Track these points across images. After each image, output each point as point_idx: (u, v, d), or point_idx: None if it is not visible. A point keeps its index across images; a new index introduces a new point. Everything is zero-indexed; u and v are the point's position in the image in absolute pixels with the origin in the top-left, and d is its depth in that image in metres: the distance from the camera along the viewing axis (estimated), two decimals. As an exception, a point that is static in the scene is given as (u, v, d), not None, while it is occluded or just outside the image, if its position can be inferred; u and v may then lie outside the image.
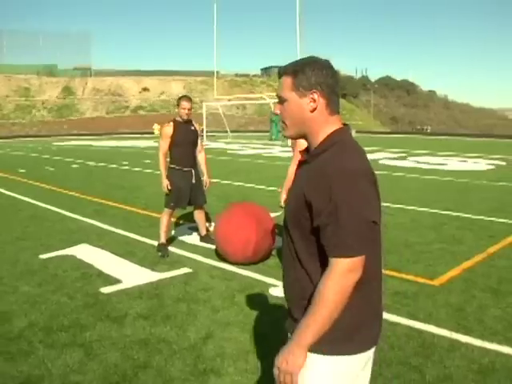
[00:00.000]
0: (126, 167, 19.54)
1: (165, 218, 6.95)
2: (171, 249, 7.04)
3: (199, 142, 7.12)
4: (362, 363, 1.84)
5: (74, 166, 20.48)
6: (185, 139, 6.87)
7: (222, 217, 6.54)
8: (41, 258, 6.76)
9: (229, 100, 60.76)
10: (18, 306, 5.08)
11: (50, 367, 3.83)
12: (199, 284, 5.66)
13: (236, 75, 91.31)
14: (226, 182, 13.92)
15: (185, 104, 6.79)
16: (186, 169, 6.91)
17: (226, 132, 49.92)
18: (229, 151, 27.79)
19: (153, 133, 54.73)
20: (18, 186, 14.27)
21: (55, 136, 58.74)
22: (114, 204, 10.91)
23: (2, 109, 73.08)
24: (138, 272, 6.12)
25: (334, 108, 1.88)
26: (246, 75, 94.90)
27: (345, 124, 1.92)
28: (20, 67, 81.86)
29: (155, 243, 7.09)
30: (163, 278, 5.86)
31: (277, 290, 5.25)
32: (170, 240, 7.37)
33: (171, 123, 6.89)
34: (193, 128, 6.98)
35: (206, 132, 46.21)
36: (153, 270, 6.19)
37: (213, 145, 34.63)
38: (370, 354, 1.88)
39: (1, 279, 5.91)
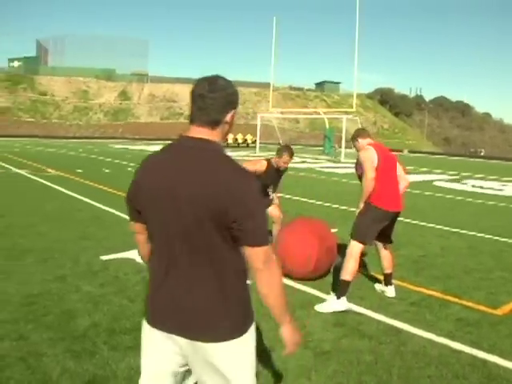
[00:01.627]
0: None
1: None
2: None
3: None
4: (145, 329, 2.27)
5: (129, 169, 20.87)
6: (268, 178, 7.14)
7: (285, 231, 6.49)
8: (101, 258, 6.92)
9: (282, 113, 60.86)
10: (82, 305, 5.18)
11: (114, 369, 3.88)
12: (257, 297, 5.64)
13: (290, 88, 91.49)
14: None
15: (287, 159, 7.03)
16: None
17: (279, 144, 49.99)
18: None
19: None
20: (76, 185, 14.68)
21: (110, 139, 60.01)
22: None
23: (61, 110, 75.33)
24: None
25: (191, 117, 2.15)
26: (300, 89, 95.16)
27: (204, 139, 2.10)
28: (80, 70, 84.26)
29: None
30: (221, 289, 5.86)
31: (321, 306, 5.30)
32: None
33: (265, 162, 7.13)
34: (280, 173, 7.30)
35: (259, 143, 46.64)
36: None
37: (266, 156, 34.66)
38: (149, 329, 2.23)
39: (64, 278, 6.06)
